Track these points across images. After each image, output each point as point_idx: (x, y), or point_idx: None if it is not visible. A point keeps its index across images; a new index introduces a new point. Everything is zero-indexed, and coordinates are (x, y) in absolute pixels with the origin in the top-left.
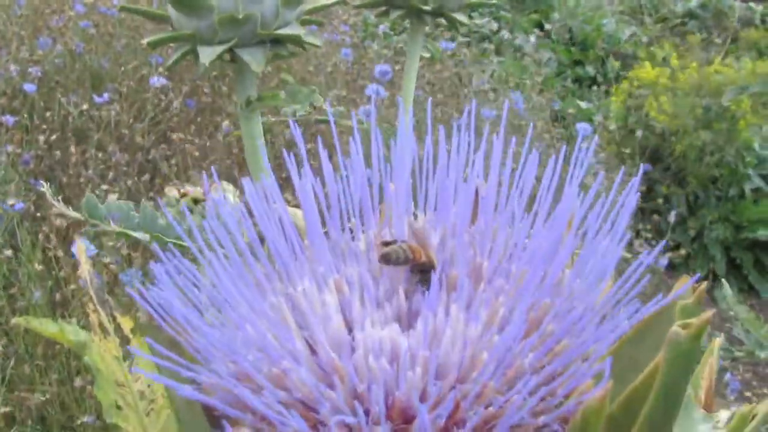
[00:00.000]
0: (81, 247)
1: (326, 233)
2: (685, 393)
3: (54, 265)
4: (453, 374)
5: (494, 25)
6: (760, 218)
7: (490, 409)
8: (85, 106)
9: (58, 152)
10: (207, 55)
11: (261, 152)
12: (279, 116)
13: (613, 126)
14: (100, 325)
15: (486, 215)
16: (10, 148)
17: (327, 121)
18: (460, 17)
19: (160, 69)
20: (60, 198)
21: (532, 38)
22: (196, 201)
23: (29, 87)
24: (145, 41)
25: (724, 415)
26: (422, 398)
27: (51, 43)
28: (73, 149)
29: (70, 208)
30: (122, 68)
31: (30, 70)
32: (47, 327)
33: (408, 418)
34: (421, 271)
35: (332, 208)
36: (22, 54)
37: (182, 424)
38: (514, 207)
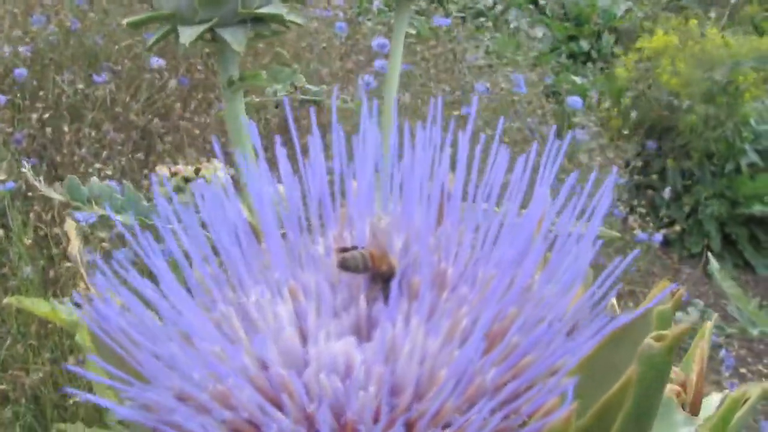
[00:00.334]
0: (71, 225)
1: (284, 235)
2: (659, 404)
3: (46, 244)
4: (409, 392)
5: (489, 1)
6: (755, 193)
7: (448, 430)
8: (80, 85)
9: (50, 131)
10: (187, 35)
11: (245, 132)
12: (264, 96)
13: (607, 103)
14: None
15: (452, 217)
16: (1, 126)
17: (312, 101)
18: None
19: (149, 48)
20: (53, 176)
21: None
22: (187, 180)
23: (19, 72)
24: (124, 21)
25: (716, 397)
26: (375, 418)
27: (45, 21)
28: (66, 128)
29: (60, 187)
30: (116, 46)
31: (21, 49)
32: (39, 306)
33: None
34: (383, 279)
35: (290, 208)
36: (15, 33)
37: None
38: (481, 208)
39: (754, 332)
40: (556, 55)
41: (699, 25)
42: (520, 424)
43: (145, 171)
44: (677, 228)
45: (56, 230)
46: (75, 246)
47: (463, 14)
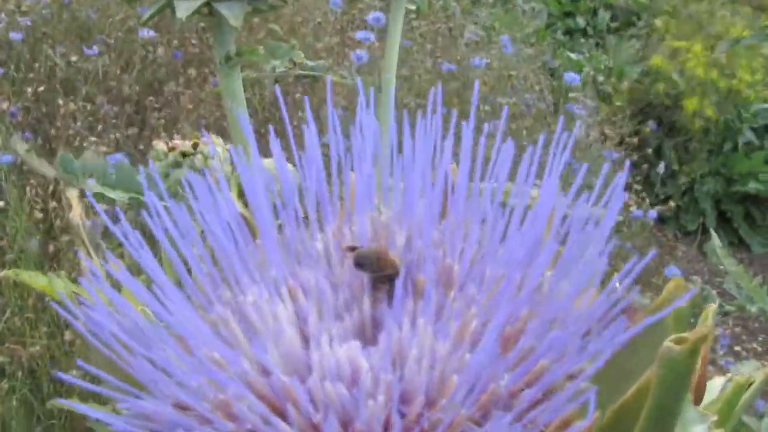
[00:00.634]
0: (73, 193)
1: (279, 227)
2: (681, 409)
3: (43, 217)
4: (420, 399)
5: None
6: (751, 171)
7: None
8: (73, 58)
9: (44, 106)
10: (184, 9)
11: (241, 108)
12: (261, 71)
13: (602, 78)
14: (91, 272)
15: (457, 211)
16: None
17: (309, 77)
18: None
19: (144, 22)
20: (48, 149)
21: None
22: (184, 155)
23: (15, 35)
24: None
25: (718, 381)
26: (386, 428)
27: None
28: (60, 101)
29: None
30: (110, 19)
31: (20, 19)
32: (37, 280)
33: None
34: (387, 278)
35: (287, 203)
36: (9, 5)
37: None
38: (488, 201)
39: (752, 309)
40: (552, 32)
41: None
42: None
43: (140, 146)
44: (672, 205)
45: (53, 203)
46: (76, 213)
47: None
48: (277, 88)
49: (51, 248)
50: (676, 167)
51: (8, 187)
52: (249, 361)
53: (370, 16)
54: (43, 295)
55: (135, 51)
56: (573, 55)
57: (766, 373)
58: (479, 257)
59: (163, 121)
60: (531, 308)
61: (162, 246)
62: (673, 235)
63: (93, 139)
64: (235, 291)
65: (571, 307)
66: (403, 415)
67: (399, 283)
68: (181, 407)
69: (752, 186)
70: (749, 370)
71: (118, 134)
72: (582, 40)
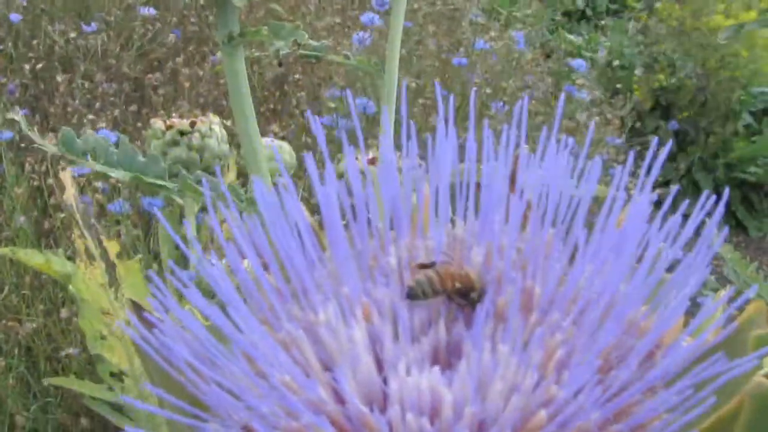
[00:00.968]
0: (67, 173)
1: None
2: None
3: (40, 195)
4: None
5: None
6: (750, 156)
7: None
8: (72, 35)
9: (43, 83)
10: None
11: (244, 89)
12: (263, 50)
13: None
14: (86, 250)
15: (537, 228)
16: None
17: (312, 57)
18: None
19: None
20: (46, 127)
21: None
22: (182, 133)
23: (14, 17)
24: None
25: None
26: None
27: None
28: (59, 78)
29: (54, 138)
30: None
31: None
32: (33, 257)
33: None
34: (463, 296)
35: (359, 214)
36: None
37: None
38: (579, 225)
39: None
40: (551, 12)
41: None
42: None
43: (139, 123)
44: (671, 188)
45: (50, 181)
46: (70, 193)
47: None
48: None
49: (46, 225)
50: (674, 150)
51: (6, 165)
52: (323, 387)
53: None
54: (39, 272)
55: (134, 29)
56: (572, 37)
57: None
58: (563, 281)
59: (161, 99)
60: (618, 339)
61: (225, 253)
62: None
63: (91, 116)
64: (305, 308)
65: (658, 339)
66: None
67: (479, 308)
68: None
69: (751, 171)
70: None
71: (117, 112)
72: (583, 22)
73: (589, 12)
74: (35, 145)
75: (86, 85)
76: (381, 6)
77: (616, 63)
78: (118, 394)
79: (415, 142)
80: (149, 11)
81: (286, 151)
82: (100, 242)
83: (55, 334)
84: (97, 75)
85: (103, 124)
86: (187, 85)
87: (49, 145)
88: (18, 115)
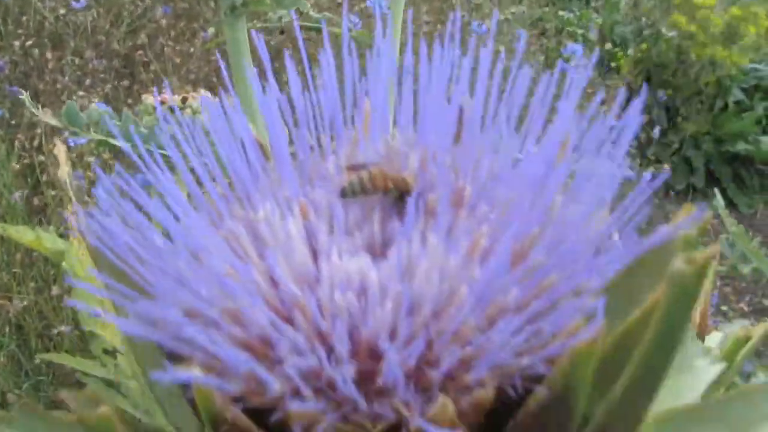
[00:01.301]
0: (61, 149)
1: (293, 154)
2: (686, 332)
3: (31, 172)
4: (427, 310)
5: None
6: (740, 132)
7: (468, 348)
8: (62, 11)
9: (32, 60)
10: None
11: (246, 59)
12: (264, 22)
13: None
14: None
15: (470, 135)
16: None
17: (313, 29)
18: None
19: None
20: (39, 106)
21: None
22: (173, 109)
23: None
24: None
25: (716, 335)
26: (392, 336)
27: None
28: (49, 55)
29: (48, 115)
30: None
31: None
32: (25, 235)
33: (376, 357)
34: (397, 197)
35: (300, 125)
36: None
37: (135, 356)
38: (502, 126)
39: (746, 270)
40: None
41: None
42: (541, 345)
43: (130, 100)
44: (666, 167)
45: (41, 158)
46: (64, 170)
47: None
48: (297, 24)
49: (36, 202)
50: (665, 125)
51: None
52: (259, 273)
53: None
54: (30, 250)
55: (123, 5)
56: (564, 13)
57: (765, 329)
58: (491, 180)
59: (152, 75)
60: (541, 228)
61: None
62: (663, 194)
63: (81, 93)
64: (246, 208)
65: (581, 227)
66: (410, 325)
67: (411, 202)
68: (190, 315)
69: (742, 147)
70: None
71: (107, 88)
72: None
73: None
74: (26, 121)
75: (76, 61)
76: None
77: (608, 46)
78: (111, 370)
79: (356, 59)
80: None
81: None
82: None
83: (46, 312)
84: (86, 52)
85: (95, 101)
86: (177, 61)
87: (50, 118)
88: (24, 94)
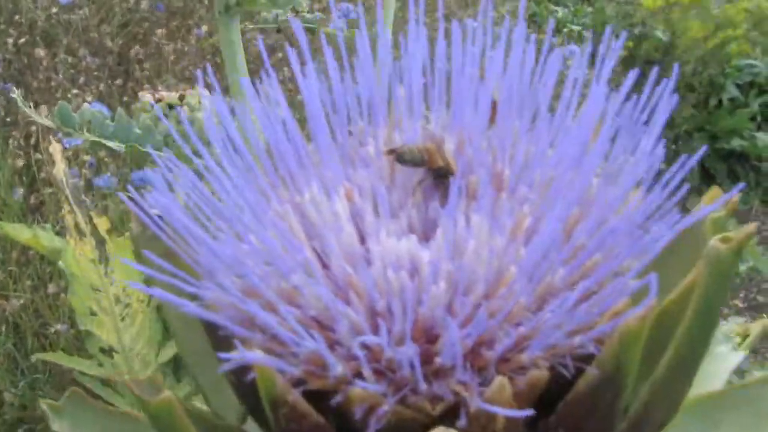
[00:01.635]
0: (57, 147)
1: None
2: (720, 311)
3: (26, 170)
4: (480, 289)
5: None
6: (735, 128)
7: (521, 328)
8: (54, 9)
9: (26, 58)
10: None
11: (240, 59)
12: (256, 23)
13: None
14: (76, 226)
15: (505, 118)
16: None
17: (308, 29)
18: None
19: None
20: (31, 104)
21: None
22: (171, 106)
23: None
24: None
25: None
26: (449, 314)
27: None
28: (42, 53)
29: (42, 113)
30: None
31: None
32: (21, 233)
33: (431, 338)
34: (438, 177)
35: (338, 109)
36: None
37: (179, 343)
38: (537, 107)
39: (742, 267)
40: None
41: None
42: (590, 325)
43: (125, 98)
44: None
45: (38, 155)
46: (60, 169)
47: None
48: (300, 27)
49: (33, 200)
50: None
51: None
52: (311, 253)
53: None
54: (26, 248)
55: (116, 2)
56: (558, 9)
57: (763, 326)
58: (529, 162)
59: (147, 73)
60: (581, 209)
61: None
62: None
63: (75, 91)
64: (291, 190)
65: (620, 207)
66: (464, 303)
67: (453, 183)
68: (247, 295)
69: (736, 143)
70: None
71: (102, 86)
72: None
73: None
74: (22, 119)
75: (69, 59)
76: None
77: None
78: (108, 369)
79: (389, 37)
80: None
81: (207, 97)
82: (90, 218)
83: (42, 310)
84: (80, 49)
85: (89, 98)
86: (172, 58)
87: (46, 120)
88: (16, 92)
